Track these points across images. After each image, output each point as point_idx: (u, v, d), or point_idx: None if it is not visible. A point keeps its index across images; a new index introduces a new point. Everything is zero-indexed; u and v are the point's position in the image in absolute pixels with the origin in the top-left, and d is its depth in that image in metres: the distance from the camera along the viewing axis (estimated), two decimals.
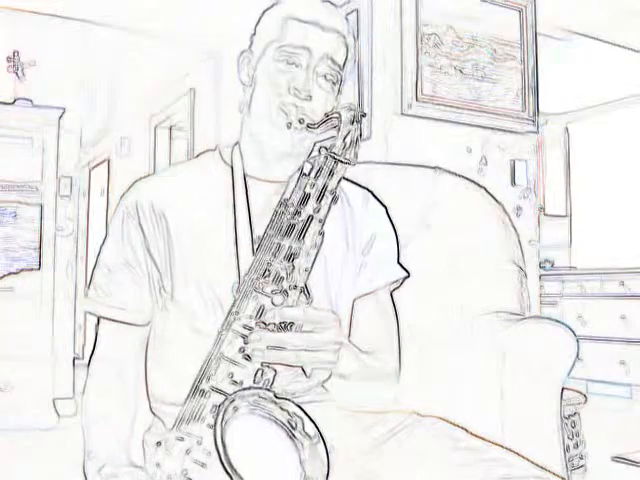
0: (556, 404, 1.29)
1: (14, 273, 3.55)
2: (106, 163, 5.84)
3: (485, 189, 1.54)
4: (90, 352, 1.16)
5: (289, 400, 0.94)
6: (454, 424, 1.14)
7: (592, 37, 3.76)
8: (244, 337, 0.98)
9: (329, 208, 1.03)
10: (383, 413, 1.17)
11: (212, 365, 0.99)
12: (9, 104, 3.64)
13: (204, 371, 0.99)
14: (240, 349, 0.98)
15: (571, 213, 5.40)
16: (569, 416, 2.25)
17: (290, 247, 1.01)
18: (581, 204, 5.32)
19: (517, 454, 1.07)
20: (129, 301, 1.14)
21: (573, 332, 1.31)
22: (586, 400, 2.31)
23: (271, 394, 0.94)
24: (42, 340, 3.56)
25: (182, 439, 0.97)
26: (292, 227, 1.02)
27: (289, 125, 1.09)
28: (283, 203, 1.03)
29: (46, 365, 3.55)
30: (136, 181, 1.20)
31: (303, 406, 0.96)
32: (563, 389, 1.31)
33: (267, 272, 1.00)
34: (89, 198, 5.88)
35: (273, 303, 0.98)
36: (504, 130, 3.01)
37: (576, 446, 2.27)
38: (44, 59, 3.80)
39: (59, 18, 3.49)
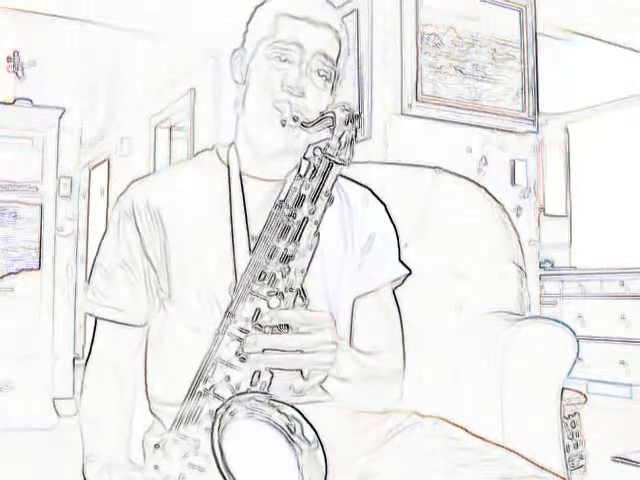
0: (556, 404, 1.29)
1: (14, 273, 3.55)
2: (106, 163, 5.84)
3: (485, 189, 1.54)
4: (88, 352, 1.16)
5: (288, 404, 0.93)
6: (454, 424, 1.13)
7: (592, 37, 3.77)
8: (240, 340, 0.97)
9: (324, 210, 1.02)
10: (383, 414, 1.17)
11: (209, 368, 0.99)
12: (9, 104, 3.64)
13: (201, 373, 0.99)
14: (236, 352, 0.97)
15: (571, 213, 5.40)
16: (569, 416, 2.25)
17: (285, 249, 1.00)
18: (581, 204, 5.32)
19: (517, 454, 1.07)
20: (125, 302, 1.14)
21: (573, 332, 1.31)
22: (586, 400, 2.31)
23: (268, 397, 0.94)
24: (42, 340, 3.56)
25: (179, 442, 0.97)
26: (287, 229, 1.01)
27: (283, 123, 1.08)
28: (278, 205, 1.02)
29: (46, 365, 3.55)
30: (133, 182, 1.19)
31: (302, 407, 0.96)
32: (563, 389, 1.31)
33: (263, 274, 0.99)
34: (89, 198, 5.88)
35: (269, 306, 0.98)
36: (504, 130, 3.01)
37: (576, 446, 2.27)
38: (44, 59, 3.80)
39: (59, 18, 3.49)
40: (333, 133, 1.03)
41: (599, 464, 2.48)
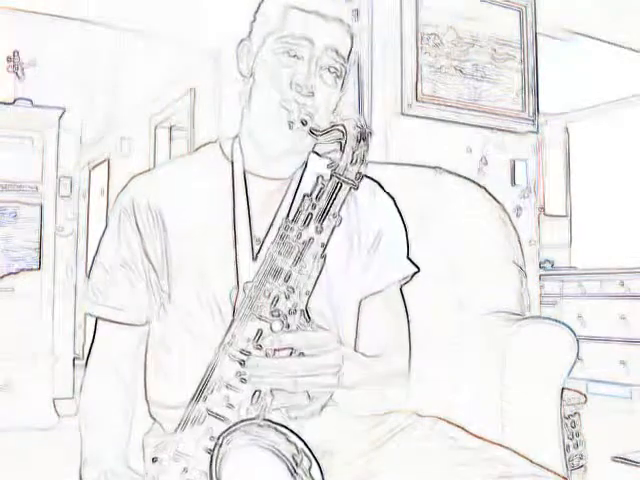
0: (556, 404, 1.29)
1: (14, 273, 3.55)
2: (106, 163, 5.84)
3: (485, 189, 1.53)
4: (88, 352, 1.15)
5: (301, 439, 0.90)
6: (454, 424, 1.13)
7: (592, 37, 3.76)
8: (241, 362, 0.95)
9: (332, 231, 0.99)
10: (383, 414, 1.17)
11: (208, 387, 0.96)
12: (9, 104, 3.64)
13: (200, 392, 0.97)
14: (237, 373, 0.95)
15: (571, 213, 5.40)
16: (569, 416, 2.25)
17: (290, 270, 0.97)
18: (581, 204, 5.32)
19: (517, 454, 1.07)
20: (125, 301, 1.12)
21: (573, 332, 1.31)
22: (586, 400, 2.30)
23: (274, 424, 0.91)
24: (42, 340, 3.56)
25: (178, 460, 0.95)
26: (293, 249, 0.98)
27: (291, 125, 1.04)
28: (284, 224, 0.99)
29: (46, 365, 3.55)
30: (133, 177, 1.16)
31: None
32: (563, 389, 1.30)
33: (266, 295, 0.97)
34: (89, 198, 5.88)
35: (272, 329, 0.95)
36: (504, 130, 3.01)
37: (576, 446, 2.27)
38: (44, 59, 3.80)
39: (59, 18, 3.49)
40: (343, 150, 0.99)
41: (599, 464, 2.47)
